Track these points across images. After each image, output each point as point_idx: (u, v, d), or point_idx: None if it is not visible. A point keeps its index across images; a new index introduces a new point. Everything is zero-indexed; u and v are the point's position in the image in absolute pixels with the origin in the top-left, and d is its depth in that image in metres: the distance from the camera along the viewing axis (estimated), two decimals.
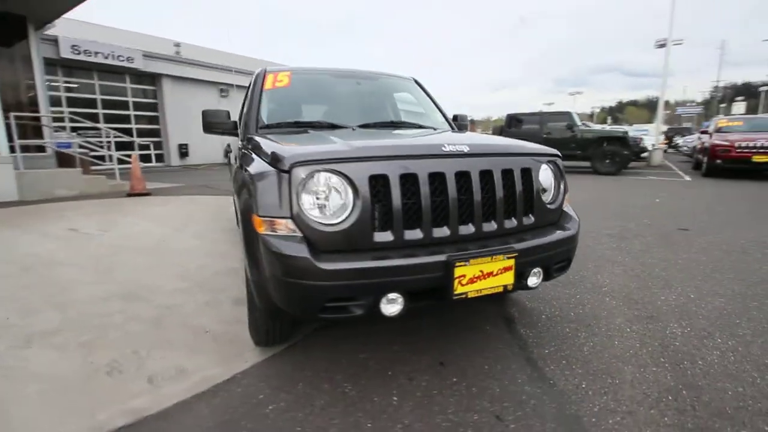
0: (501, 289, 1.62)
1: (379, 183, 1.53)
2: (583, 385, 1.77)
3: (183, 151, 17.72)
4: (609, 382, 1.79)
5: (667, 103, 15.15)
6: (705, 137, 10.71)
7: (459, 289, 1.53)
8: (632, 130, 16.23)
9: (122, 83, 15.62)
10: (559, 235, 1.85)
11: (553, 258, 1.82)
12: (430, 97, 3.18)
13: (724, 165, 9.27)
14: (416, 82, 3.27)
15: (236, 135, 2.59)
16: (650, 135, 14.65)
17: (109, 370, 1.91)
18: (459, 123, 3.12)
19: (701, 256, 3.60)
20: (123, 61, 14.44)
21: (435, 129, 2.62)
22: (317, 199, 1.51)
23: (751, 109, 36.89)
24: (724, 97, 52.13)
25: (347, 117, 2.54)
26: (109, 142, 8.72)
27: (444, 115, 3.05)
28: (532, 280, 1.77)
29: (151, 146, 12.04)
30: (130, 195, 7.15)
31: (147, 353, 2.06)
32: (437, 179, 1.60)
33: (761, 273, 3.13)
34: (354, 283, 1.44)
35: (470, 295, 1.56)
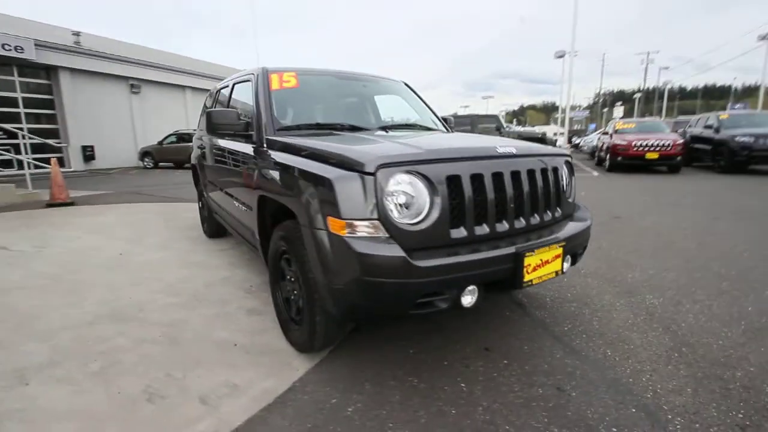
0: (554, 275, 1.83)
1: (452, 183, 1.63)
2: (609, 353, 2.05)
3: (88, 153, 15.66)
4: (626, 348, 2.10)
5: (560, 107, 17.25)
6: (606, 138, 12.42)
7: (526, 277, 1.69)
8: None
9: (9, 76, 13.28)
10: (584, 224, 2.11)
11: (580, 245, 2.08)
12: (422, 100, 3.32)
13: (624, 161, 10.87)
14: (406, 85, 3.39)
15: (248, 137, 2.47)
16: (558, 135, 16.60)
17: (148, 397, 1.74)
18: (449, 125, 3.31)
19: (641, 239, 4.24)
20: (9, 50, 12.25)
21: (445, 130, 2.77)
22: (400, 199, 1.56)
23: (627, 112, 43.51)
24: (605, 102, 60.56)
25: (363, 119, 2.57)
26: (16, 144, 7.40)
27: (438, 117, 3.22)
28: (566, 266, 2.00)
29: (66, 150, 10.43)
30: (50, 205, 6.17)
31: (182, 374, 1.91)
32: (496, 178, 1.75)
33: (690, 249, 3.81)
34: (445, 278, 1.53)
35: (534, 282, 1.73)
